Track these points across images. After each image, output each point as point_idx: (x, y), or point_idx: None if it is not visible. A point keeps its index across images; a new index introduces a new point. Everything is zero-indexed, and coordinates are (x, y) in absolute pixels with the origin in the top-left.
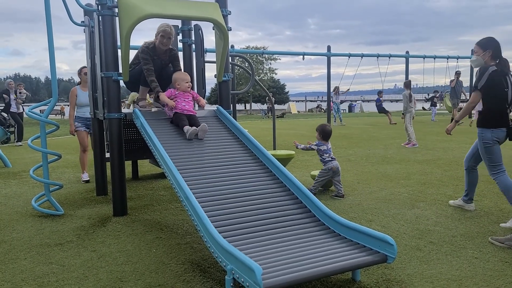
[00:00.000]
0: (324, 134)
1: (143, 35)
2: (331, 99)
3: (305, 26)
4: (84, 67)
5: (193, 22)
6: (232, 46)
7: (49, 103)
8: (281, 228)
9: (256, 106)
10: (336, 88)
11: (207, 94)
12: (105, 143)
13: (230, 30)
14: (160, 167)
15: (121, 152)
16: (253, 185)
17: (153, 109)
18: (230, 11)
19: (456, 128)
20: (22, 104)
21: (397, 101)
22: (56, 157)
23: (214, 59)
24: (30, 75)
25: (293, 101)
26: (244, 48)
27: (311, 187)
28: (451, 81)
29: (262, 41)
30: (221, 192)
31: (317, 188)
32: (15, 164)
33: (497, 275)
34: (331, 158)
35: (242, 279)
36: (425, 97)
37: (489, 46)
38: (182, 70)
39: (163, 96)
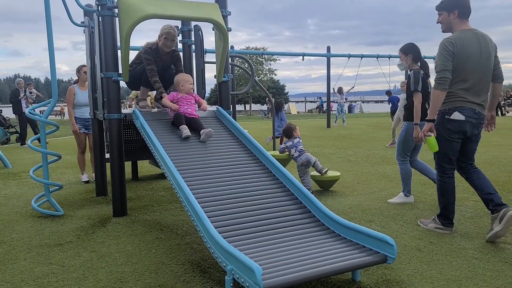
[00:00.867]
0: (285, 132)
1: (143, 36)
2: (335, 100)
3: (305, 26)
4: (84, 65)
5: (193, 23)
6: (232, 47)
7: (49, 103)
8: (281, 228)
9: (256, 107)
10: (340, 89)
11: (207, 95)
12: (105, 144)
13: (230, 30)
14: (160, 168)
15: (121, 152)
16: (253, 185)
17: (153, 110)
18: (230, 12)
19: None
20: (33, 104)
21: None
22: (56, 157)
23: (214, 60)
24: (29, 76)
25: (293, 101)
26: (244, 49)
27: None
28: None
29: (262, 41)
30: (221, 193)
31: (309, 186)
32: (14, 164)
33: (497, 275)
34: (299, 152)
35: (242, 280)
36: None
37: (410, 51)
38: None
39: (166, 100)
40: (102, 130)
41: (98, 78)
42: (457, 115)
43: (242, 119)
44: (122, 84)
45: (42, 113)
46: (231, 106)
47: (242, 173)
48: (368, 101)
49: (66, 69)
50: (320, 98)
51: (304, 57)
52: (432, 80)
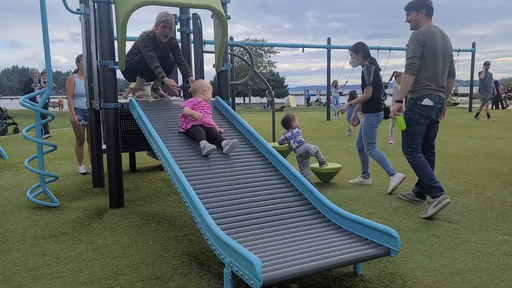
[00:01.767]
0: (283, 123)
1: (140, 27)
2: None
3: (304, 18)
4: None
5: (191, 11)
6: (231, 38)
7: (43, 92)
8: (281, 220)
9: (255, 99)
10: (335, 82)
11: None
12: (102, 134)
13: (229, 18)
14: (157, 159)
15: (118, 143)
16: (253, 176)
17: (151, 99)
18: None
19: (456, 122)
20: None
21: None
22: (52, 148)
23: (213, 50)
24: (28, 67)
25: (292, 95)
26: (243, 41)
27: None
28: (480, 73)
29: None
30: (220, 184)
31: (308, 178)
32: (11, 155)
33: (501, 268)
34: (298, 143)
35: (241, 272)
36: None
37: (360, 50)
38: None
39: (187, 108)
40: (99, 120)
41: (94, 66)
42: (427, 101)
43: (242, 111)
44: (121, 75)
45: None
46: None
47: (241, 164)
48: None
49: (64, 61)
50: (307, 91)
51: (304, 49)
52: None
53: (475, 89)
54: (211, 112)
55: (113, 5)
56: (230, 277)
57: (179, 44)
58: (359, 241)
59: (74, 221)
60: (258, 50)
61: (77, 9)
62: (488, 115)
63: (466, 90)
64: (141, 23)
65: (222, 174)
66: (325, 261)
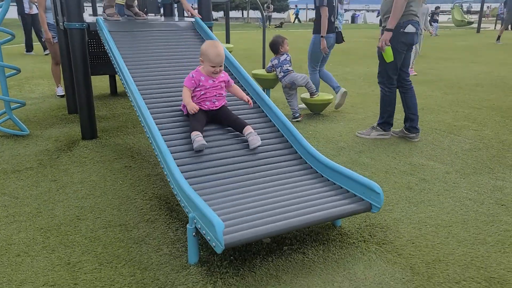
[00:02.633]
0: (271, 47)
1: None
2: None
3: None
4: None
5: None
6: None
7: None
8: (256, 167)
9: (254, 13)
10: None
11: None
12: None
13: None
14: None
15: (86, 69)
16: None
17: (120, 19)
18: None
19: (459, 44)
20: (36, 3)
21: None
22: (15, 71)
23: None
24: None
25: (293, 9)
26: None
27: (291, 112)
28: None
29: None
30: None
31: (296, 110)
32: None
33: (490, 220)
34: (284, 72)
35: (203, 231)
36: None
37: None
38: None
39: (184, 91)
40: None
41: None
42: (410, 28)
43: (237, 27)
44: None
45: None
46: (226, 12)
47: None
48: (373, 10)
49: None
50: (296, 6)
51: None
52: None
53: (486, 8)
54: (223, 86)
55: None
56: (193, 234)
57: None
58: (340, 193)
59: (42, 153)
60: None
61: None
62: (499, 37)
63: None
64: None
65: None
66: (298, 219)
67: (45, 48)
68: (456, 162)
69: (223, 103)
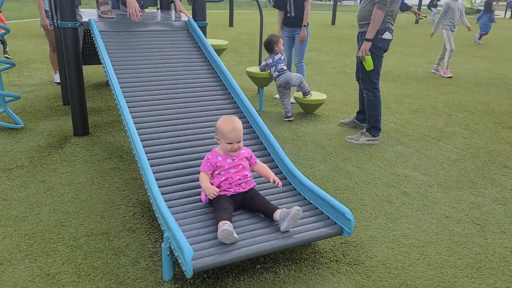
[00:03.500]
0: (266, 45)
1: None
2: None
3: None
4: None
5: None
6: None
7: None
8: None
9: None
10: None
11: None
12: None
13: None
14: None
15: (79, 68)
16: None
17: (113, 17)
18: None
19: (465, 35)
20: None
21: None
22: (9, 65)
23: None
24: None
25: None
26: None
27: (284, 111)
28: None
29: None
30: (171, 134)
31: (288, 109)
32: None
33: (464, 241)
34: (278, 71)
35: (176, 253)
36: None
37: None
38: None
39: (204, 178)
40: None
41: None
42: (387, 35)
43: (244, 5)
44: None
45: None
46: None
47: (203, 103)
48: None
49: None
50: None
51: None
52: None
53: None
54: (245, 165)
55: None
56: (168, 253)
57: None
58: (315, 215)
59: (33, 150)
60: None
61: None
62: None
63: None
64: None
65: (178, 121)
66: (270, 243)
67: None
68: (440, 174)
69: (251, 185)
